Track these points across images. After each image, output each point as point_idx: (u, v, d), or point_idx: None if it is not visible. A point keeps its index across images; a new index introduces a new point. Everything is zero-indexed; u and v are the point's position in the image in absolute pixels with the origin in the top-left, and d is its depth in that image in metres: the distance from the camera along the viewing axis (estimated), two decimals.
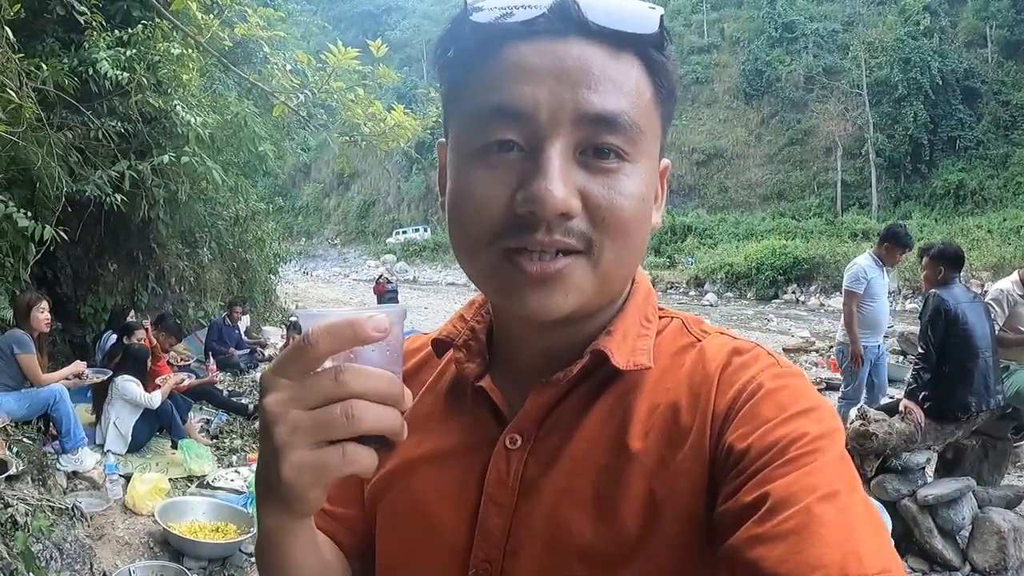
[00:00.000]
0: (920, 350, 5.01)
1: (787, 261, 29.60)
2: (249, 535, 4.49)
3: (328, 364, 0.61)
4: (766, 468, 0.67)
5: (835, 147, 42.46)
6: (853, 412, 5.08)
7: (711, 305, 26.87)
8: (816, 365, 11.90)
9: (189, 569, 4.05)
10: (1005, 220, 31.60)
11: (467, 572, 0.81)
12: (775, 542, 0.62)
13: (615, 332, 0.82)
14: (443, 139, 0.86)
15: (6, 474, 3.13)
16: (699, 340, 0.84)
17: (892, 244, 6.26)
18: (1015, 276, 5.69)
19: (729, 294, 30.18)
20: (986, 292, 5.84)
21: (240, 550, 4.53)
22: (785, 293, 28.99)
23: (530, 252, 0.72)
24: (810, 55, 48.17)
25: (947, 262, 5.16)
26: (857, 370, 6.38)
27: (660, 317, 0.89)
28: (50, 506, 3.45)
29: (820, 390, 9.30)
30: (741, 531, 0.65)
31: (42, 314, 5.56)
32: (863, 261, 6.47)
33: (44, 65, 4.48)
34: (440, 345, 0.93)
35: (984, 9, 43.41)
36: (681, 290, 31.92)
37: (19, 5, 4.12)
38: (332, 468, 0.61)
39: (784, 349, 13.51)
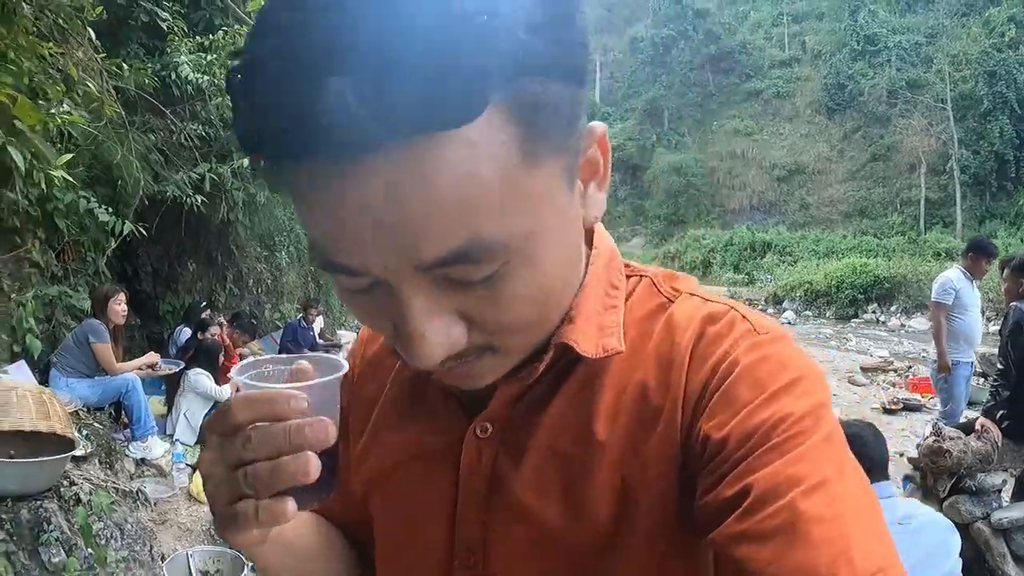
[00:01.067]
0: (999, 366, 4.82)
1: (868, 280, 28.74)
2: None
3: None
4: (748, 458, 0.63)
5: (919, 163, 41.16)
6: (927, 428, 4.90)
7: (790, 323, 26.12)
8: (893, 385, 11.55)
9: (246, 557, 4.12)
10: None
11: (452, 564, 0.80)
12: (761, 542, 0.59)
13: (578, 318, 0.74)
14: None
15: (72, 453, 3.25)
16: (670, 301, 0.78)
17: (976, 253, 6.16)
18: None
19: (808, 312, 29.32)
20: None
21: None
22: (865, 312, 28.14)
23: None
24: (893, 68, 46.81)
25: None
26: (947, 383, 6.21)
27: (628, 276, 0.82)
28: (115, 488, 3.57)
29: (897, 410, 9.18)
30: (724, 526, 0.61)
31: (119, 306, 5.76)
32: (951, 273, 6.40)
33: (125, 64, 4.67)
34: None
35: None
36: (759, 307, 31.13)
37: (102, 8, 4.31)
38: (247, 523, 0.63)
39: (861, 367, 13.21)
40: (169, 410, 6.39)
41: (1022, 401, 4.61)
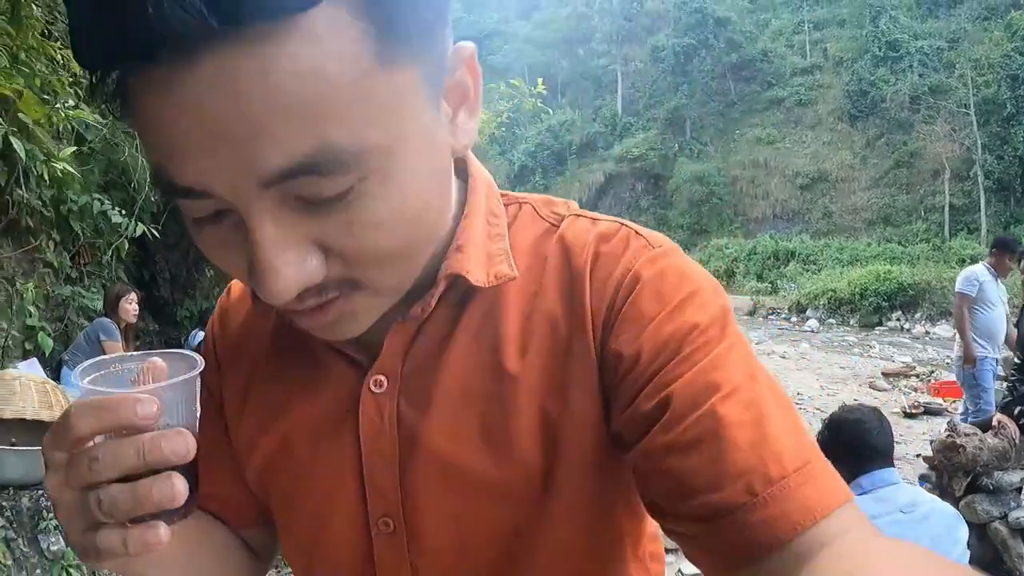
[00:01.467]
0: (1016, 360, 4.78)
1: (892, 287, 28.54)
2: None
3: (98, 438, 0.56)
4: (661, 370, 0.64)
5: (942, 170, 40.68)
6: (943, 425, 4.85)
7: (813, 331, 26.02)
8: (915, 390, 11.48)
9: None
10: None
11: (370, 536, 0.75)
12: (688, 451, 0.60)
13: (465, 245, 0.71)
14: None
15: None
16: (556, 225, 0.76)
17: (1000, 250, 6.35)
18: None
19: (832, 320, 29.10)
20: None
21: None
22: (889, 320, 27.92)
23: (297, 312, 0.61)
24: (915, 74, 46.28)
25: None
26: (975, 378, 6.20)
27: (507, 205, 0.79)
28: None
29: (917, 414, 9.09)
30: (648, 439, 0.62)
31: (130, 305, 5.82)
32: (976, 267, 6.57)
33: None
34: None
35: None
36: (783, 316, 31.04)
37: None
38: (113, 555, 0.57)
39: (883, 373, 13.12)
40: None
41: None
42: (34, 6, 3.89)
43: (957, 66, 43.28)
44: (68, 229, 5.60)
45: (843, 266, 35.90)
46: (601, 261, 0.71)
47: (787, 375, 12.40)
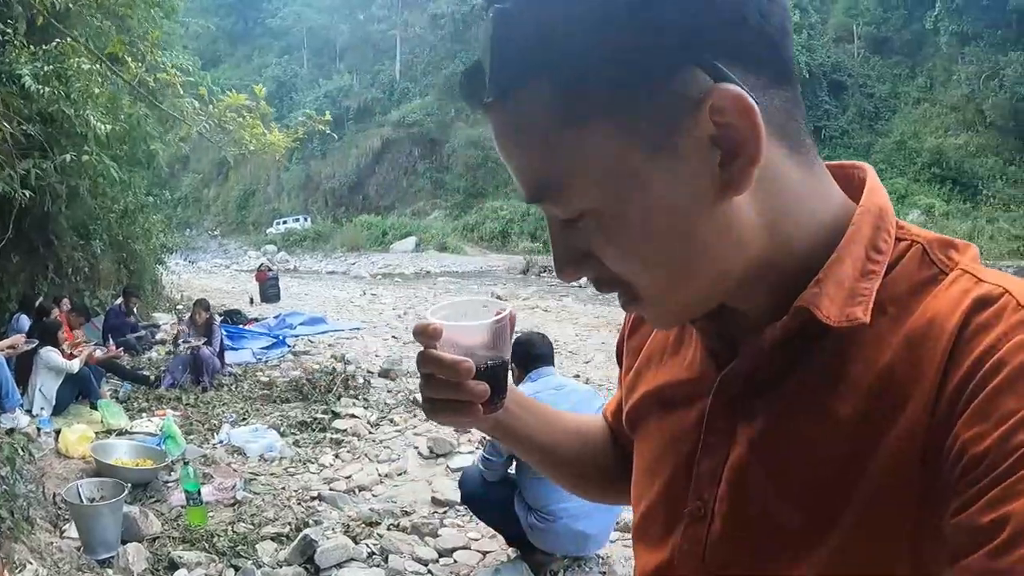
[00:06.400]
0: None
1: None
2: (163, 465, 5.59)
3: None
4: (1005, 481, 0.54)
5: None
6: None
7: (581, 285, 25.26)
8: None
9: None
10: None
11: (685, 508, 0.80)
12: None
13: (826, 280, 0.67)
14: None
15: None
16: (943, 273, 0.67)
17: None
18: None
19: None
20: None
21: (157, 478, 5.56)
22: None
23: None
24: None
25: None
26: None
27: (899, 239, 0.71)
28: (9, 443, 4.50)
29: None
30: (975, 559, 0.55)
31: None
32: None
33: None
34: None
35: (853, 7, 45.45)
36: (552, 271, 32.44)
37: None
38: (437, 418, 0.89)
39: None
40: (24, 389, 7.13)
41: None
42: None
43: None
44: None
45: None
46: (968, 332, 0.62)
47: (547, 326, 13.22)
